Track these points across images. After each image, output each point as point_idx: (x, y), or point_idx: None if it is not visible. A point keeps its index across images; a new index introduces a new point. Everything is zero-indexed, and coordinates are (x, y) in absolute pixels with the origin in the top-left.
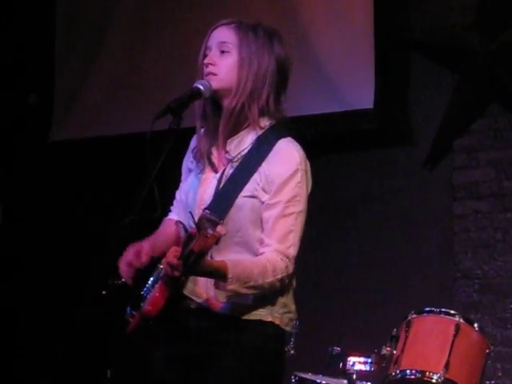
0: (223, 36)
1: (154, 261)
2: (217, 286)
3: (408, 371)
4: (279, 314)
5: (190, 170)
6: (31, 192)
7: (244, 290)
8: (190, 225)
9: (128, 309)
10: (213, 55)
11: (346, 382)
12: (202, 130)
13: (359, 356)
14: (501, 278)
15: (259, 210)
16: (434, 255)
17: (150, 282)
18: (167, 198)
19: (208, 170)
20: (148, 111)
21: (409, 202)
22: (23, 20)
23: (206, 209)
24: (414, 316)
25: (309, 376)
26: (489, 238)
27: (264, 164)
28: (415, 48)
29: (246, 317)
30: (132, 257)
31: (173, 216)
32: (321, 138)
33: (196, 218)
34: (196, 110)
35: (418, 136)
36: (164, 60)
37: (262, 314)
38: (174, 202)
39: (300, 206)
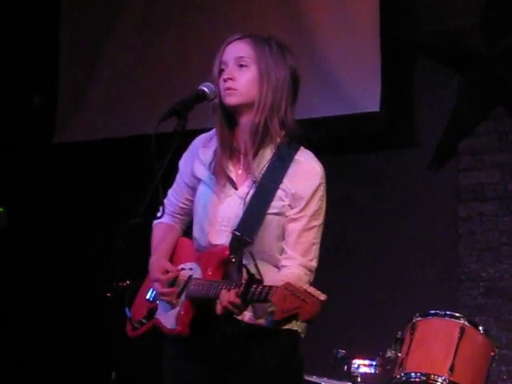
0: (240, 50)
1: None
2: (255, 310)
3: (413, 374)
4: (301, 321)
5: (197, 179)
6: (35, 194)
7: None
8: (209, 241)
9: (127, 310)
10: (231, 70)
11: None
12: (219, 143)
13: (364, 359)
14: (506, 280)
15: (284, 225)
16: (438, 258)
17: (157, 289)
18: None
19: (228, 186)
20: (153, 113)
21: (414, 205)
22: (27, 21)
23: (235, 230)
24: (419, 319)
25: (313, 379)
26: (494, 241)
27: (286, 181)
28: (421, 51)
29: (274, 326)
30: (160, 275)
31: (166, 220)
32: (327, 140)
33: (218, 235)
34: (215, 117)
35: (423, 138)
36: (168, 62)
37: (290, 324)
38: (167, 204)
39: (321, 218)
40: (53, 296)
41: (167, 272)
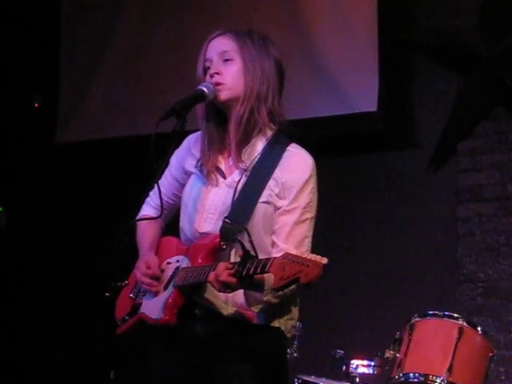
0: (223, 45)
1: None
2: (249, 298)
3: (411, 374)
4: (284, 320)
5: (187, 173)
6: (35, 194)
7: (274, 300)
8: (196, 229)
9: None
10: (217, 65)
11: None
12: (206, 141)
13: (362, 359)
14: (504, 281)
15: (271, 215)
16: (437, 258)
17: (142, 281)
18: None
19: (217, 176)
20: (152, 113)
21: (413, 205)
22: (28, 22)
23: (226, 218)
24: (418, 319)
25: (312, 379)
26: (493, 242)
27: (277, 171)
28: (419, 50)
29: (253, 322)
30: (146, 270)
31: (150, 213)
32: (325, 140)
33: (205, 223)
34: (198, 115)
35: (422, 139)
36: (167, 62)
37: (270, 320)
38: (153, 197)
39: (313, 211)
40: (52, 296)
41: (149, 267)
